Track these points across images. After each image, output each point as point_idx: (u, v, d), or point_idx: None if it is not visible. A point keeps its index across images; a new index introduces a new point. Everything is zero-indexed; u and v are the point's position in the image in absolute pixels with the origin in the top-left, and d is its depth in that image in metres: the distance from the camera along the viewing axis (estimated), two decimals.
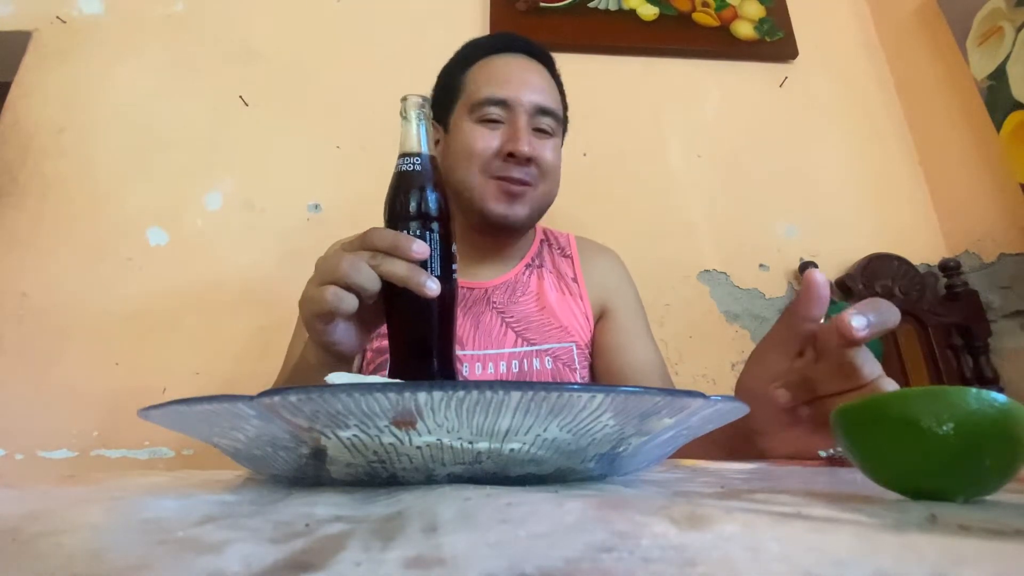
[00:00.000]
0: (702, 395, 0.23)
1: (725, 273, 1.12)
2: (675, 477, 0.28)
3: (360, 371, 0.67)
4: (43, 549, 0.13)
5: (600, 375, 0.69)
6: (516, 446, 0.22)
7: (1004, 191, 1.04)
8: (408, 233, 0.39)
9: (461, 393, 0.19)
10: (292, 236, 1.06)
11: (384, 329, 0.42)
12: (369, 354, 0.67)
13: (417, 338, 0.40)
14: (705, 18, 1.28)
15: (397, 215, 0.40)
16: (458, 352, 0.64)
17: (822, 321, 0.39)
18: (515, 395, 0.19)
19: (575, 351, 0.67)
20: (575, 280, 0.72)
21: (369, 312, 0.41)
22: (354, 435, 0.21)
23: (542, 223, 0.79)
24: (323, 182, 1.11)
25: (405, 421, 0.20)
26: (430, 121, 0.43)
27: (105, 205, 1.04)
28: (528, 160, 0.63)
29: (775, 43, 1.28)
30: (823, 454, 0.39)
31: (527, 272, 0.72)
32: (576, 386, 0.20)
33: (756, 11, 1.30)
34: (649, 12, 1.26)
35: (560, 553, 0.12)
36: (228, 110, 1.13)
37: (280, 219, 1.08)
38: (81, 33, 1.15)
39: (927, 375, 1.03)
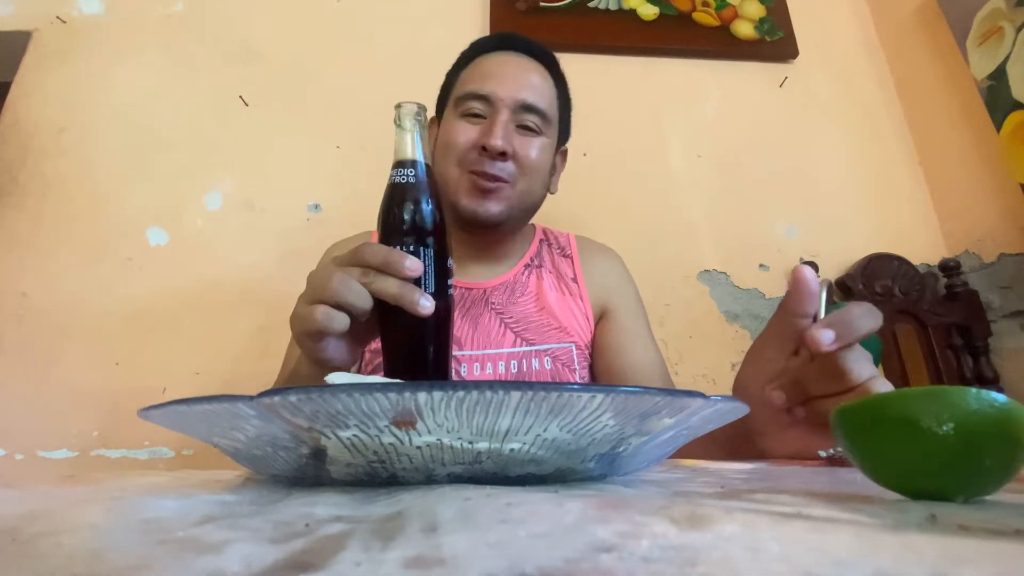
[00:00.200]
0: (702, 395, 0.23)
1: (725, 273, 1.12)
2: (675, 477, 0.28)
3: (358, 371, 0.67)
4: (43, 549, 0.13)
5: (600, 375, 0.68)
6: (516, 446, 0.22)
7: (1004, 191, 1.04)
8: (402, 248, 0.38)
9: (461, 393, 0.19)
10: (292, 236, 1.06)
11: None
12: (368, 355, 0.67)
13: (410, 356, 0.39)
14: (705, 18, 1.28)
15: (390, 229, 0.39)
16: (457, 352, 0.64)
17: (812, 320, 0.40)
18: (515, 395, 0.19)
19: (574, 351, 0.66)
20: (575, 280, 0.72)
21: (361, 328, 0.40)
22: (354, 435, 0.21)
23: (542, 223, 0.79)
24: (323, 182, 1.11)
25: (405, 421, 0.20)
26: (426, 129, 0.42)
27: (105, 205, 1.04)
28: (503, 155, 0.61)
29: (775, 43, 1.28)
30: (823, 454, 0.39)
31: (526, 272, 0.71)
32: (576, 386, 0.20)
33: (756, 11, 1.30)
34: (649, 12, 1.26)
35: (560, 553, 0.12)
36: (228, 110, 1.13)
37: (280, 219, 1.08)
38: (81, 33, 1.15)
39: (927, 375, 1.03)
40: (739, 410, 0.26)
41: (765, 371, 0.41)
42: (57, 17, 1.15)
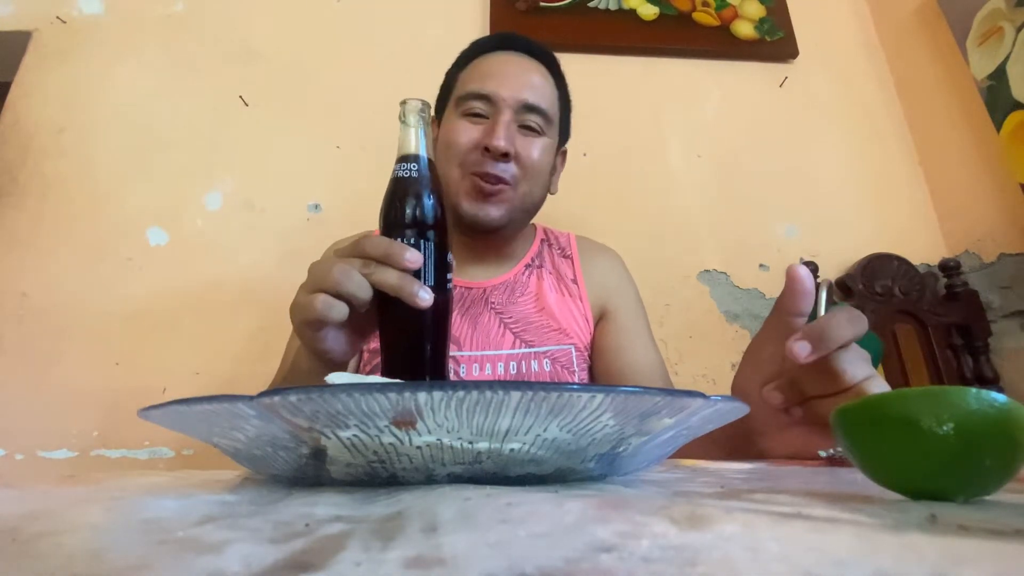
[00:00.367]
0: (702, 395, 0.23)
1: (725, 273, 1.12)
2: (675, 477, 0.28)
3: (357, 371, 0.67)
4: (43, 549, 0.13)
5: (599, 376, 0.68)
6: (516, 446, 0.22)
7: (1004, 191, 1.04)
8: (402, 241, 0.38)
9: (461, 393, 0.19)
10: (292, 236, 1.06)
11: None
12: (366, 354, 0.67)
13: (408, 348, 0.39)
14: (705, 18, 1.28)
15: (391, 222, 0.40)
16: (455, 353, 0.64)
17: (811, 318, 0.40)
18: (515, 395, 0.19)
19: (574, 353, 0.66)
20: (575, 281, 0.72)
21: (361, 320, 0.40)
22: (354, 435, 0.21)
23: (542, 223, 0.79)
24: (323, 182, 1.11)
25: (405, 421, 0.20)
26: (429, 126, 0.42)
27: (105, 205, 1.04)
28: (505, 156, 0.61)
29: (775, 43, 1.28)
30: (823, 454, 0.39)
31: (527, 273, 0.71)
32: (576, 386, 0.20)
33: (756, 11, 1.30)
34: (649, 12, 1.26)
35: (560, 553, 0.12)
36: (228, 110, 1.13)
37: (280, 219, 1.08)
38: (81, 33, 1.15)
39: (927, 375, 1.03)
40: (739, 410, 0.26)
41: (762, 371, 0.41)
42: (57, 17, 1.15)
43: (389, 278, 0.37)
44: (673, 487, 0.24)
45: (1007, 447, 0.18)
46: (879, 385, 0.37)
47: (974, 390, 0.18)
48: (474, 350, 0.64)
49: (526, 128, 0.64)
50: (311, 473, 0.24)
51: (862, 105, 1.28)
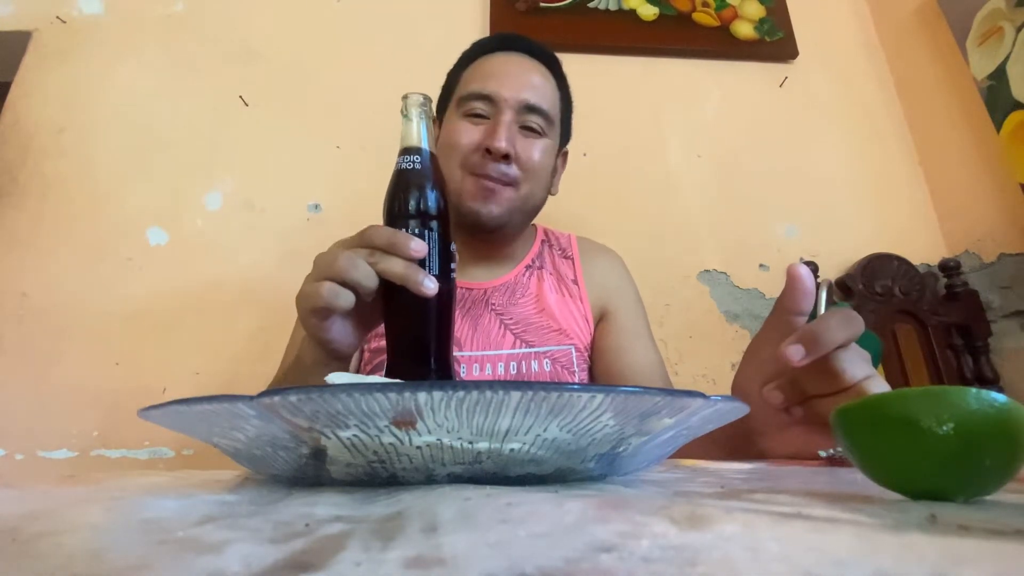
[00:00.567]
0: (702, 395, 0.23)
1: (725, 273, 1.12)
2: (675, 477, 0.28)
3: (358, 371, 0.67)
4: (43, 549, 0.13)
5: (600, 377, 0.68)
6: (516, 446, 0.22)
7: (1004, 191, 1.04)
8: (407, 231, 0.39)
9: (461, 393, 0.19)
10: (292, 236, 1.06)
11: (382, 328, 0.41)
12: (367, 354, 0.67)
13: (414, 337, 0.40)
14: (705, 18, 1.28)
15: (396, 213, 0.40)
16: (456, 353, 0.64)
17: (811, 317, 0.39)
18: (515, 395, 0.19)
19: (574, 354, 0.66)
20: (575, 282, 0.72)
21: (366, 310, 0.40)
22: (354, 435, 0.21)
23: (542, 223, 0.79)
24: (323, 182, 1.11)
25: (405, 421, 0.20)
26: (431, 120, 0.43)
27: (105, 205, 1.04)
28: (506, 157, 0.61)
29: (775, 43, 1.28)
30: (823, 454, 0.39)
31: (527, 273, 0.71)
32: (576, 386, 0.20)
33: (756, 11, 1.30)
34: (649, 12, 1.26)
35: (560, 553, 0.12)
36: (228, 110, 1.13)
37: (280, 219, 1.08)
38: (81, 33, 1.15)
39: (927, 375, 1.03)
40: (739, 410, 0.26)
41: (763, 371, 0.41)
42: (57, 17, 1.15)
43: (394, 267, 0.37)
44: (673, 487, 0.24)
45: (1007, 447, 0.18)
46: (879, 384, 0.37)
47: (974, 390, 0.18)
48: (474, 350, 0.64)
49: (527, 129, 0.64)
50: (311, 473, 0.24)
51: (862, 105, 1.28)
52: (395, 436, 0.21)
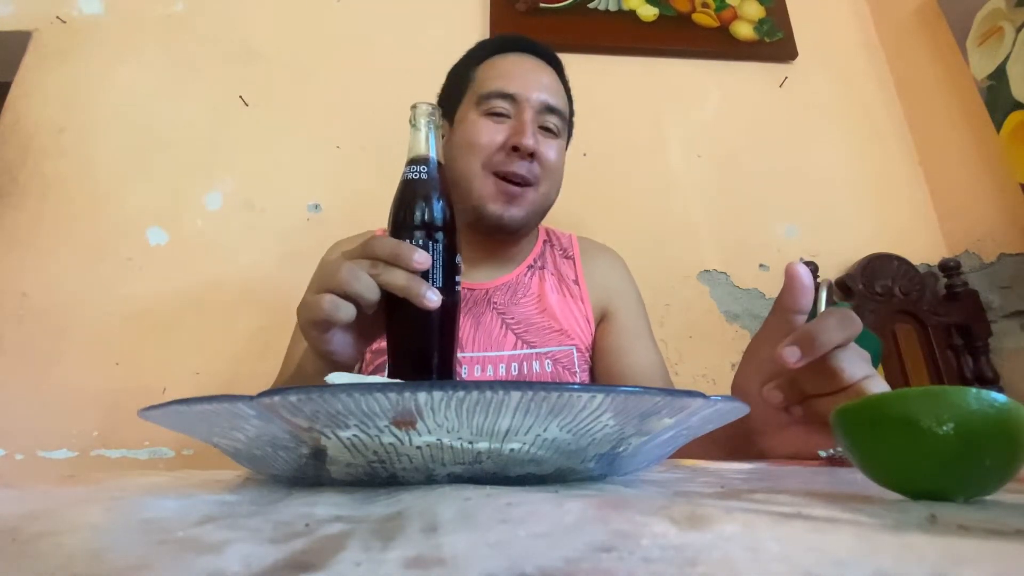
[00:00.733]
0: (702, 395, 0.23)
1: (725, 273, 1.12)
2: (675, 477, 0.28)
3: (359, 372, 0.67)
4: (43, 549, 0.13)
5: (601, 377, 0.68)
6: (516, 446, 0.22)
7: (1004, 191, 1.04)
8: (411, 243, 0.38)
9: (461, 393, 0.19)
10: (292, 236, 1.06)
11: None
12: (368, 355, 0.67)
13: (416, 350, 0.39)
14: (705, 19, 1.28)
15: (400, 224, 0.39)
16: (458, 354, 0.64)
17: (811, 316, 0.39)
18: (515, 395, 0.19)
19: (575, 354, 0.66)
20: (576, 282, 0.72)
21: (368, 322, 0.40)
22: (354, 435, 0.21)
23: (544, 223, 0.79)
24: (323, 182, 1.11)
25: (405, 421, 0.20)
26: (439, 130, 0.42)
27: (105, 205, 1.04)
28: (532, 156, 0.62)
29: (775, 43, 1.28)
30: (823, 454, 0.39)
31: (529, 273, 0.71)
32: (576, 386, 0.20)
33: (756, 11, 1.30)
34: (649, 13, 1.26)
35: (560, 553, 0.12)
36: (228, 110, 1.13)
37: (280, 219, 1.08)
38: (81, 33, 1.15)
39: (927, 375, 1.03)
40: (739, 410, 0.26)
41: (762, 370, 0.41)
42: (57, 17, 1.15)
43: (397, 279, 0.37)
44: (673, 487, 0.24)
45: (1007, 447, 0.18)
46: (878, 384, 0.37)
47: (974, 390, 0.18)
48: (476, 351, 0.64)
49: (545, 129, 0.65)
50: (311, 473, 0.24)
51: (862, 105, 1.28)
52: (395, 436, 0.21)
